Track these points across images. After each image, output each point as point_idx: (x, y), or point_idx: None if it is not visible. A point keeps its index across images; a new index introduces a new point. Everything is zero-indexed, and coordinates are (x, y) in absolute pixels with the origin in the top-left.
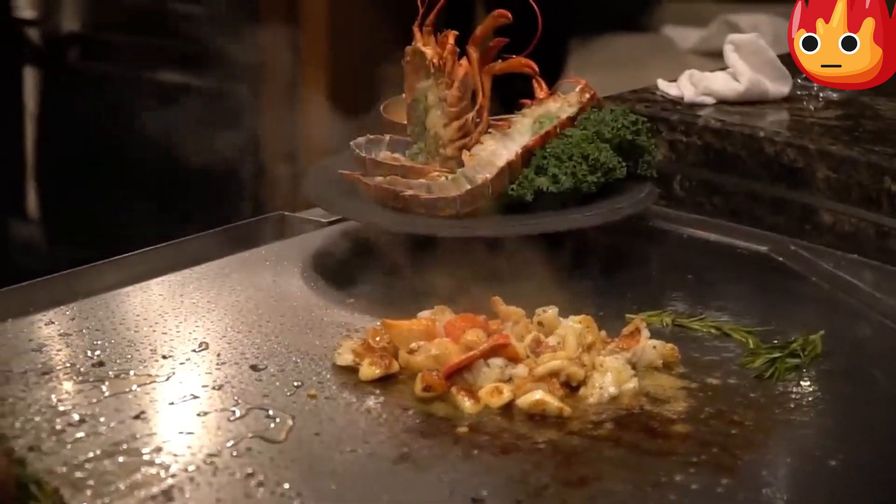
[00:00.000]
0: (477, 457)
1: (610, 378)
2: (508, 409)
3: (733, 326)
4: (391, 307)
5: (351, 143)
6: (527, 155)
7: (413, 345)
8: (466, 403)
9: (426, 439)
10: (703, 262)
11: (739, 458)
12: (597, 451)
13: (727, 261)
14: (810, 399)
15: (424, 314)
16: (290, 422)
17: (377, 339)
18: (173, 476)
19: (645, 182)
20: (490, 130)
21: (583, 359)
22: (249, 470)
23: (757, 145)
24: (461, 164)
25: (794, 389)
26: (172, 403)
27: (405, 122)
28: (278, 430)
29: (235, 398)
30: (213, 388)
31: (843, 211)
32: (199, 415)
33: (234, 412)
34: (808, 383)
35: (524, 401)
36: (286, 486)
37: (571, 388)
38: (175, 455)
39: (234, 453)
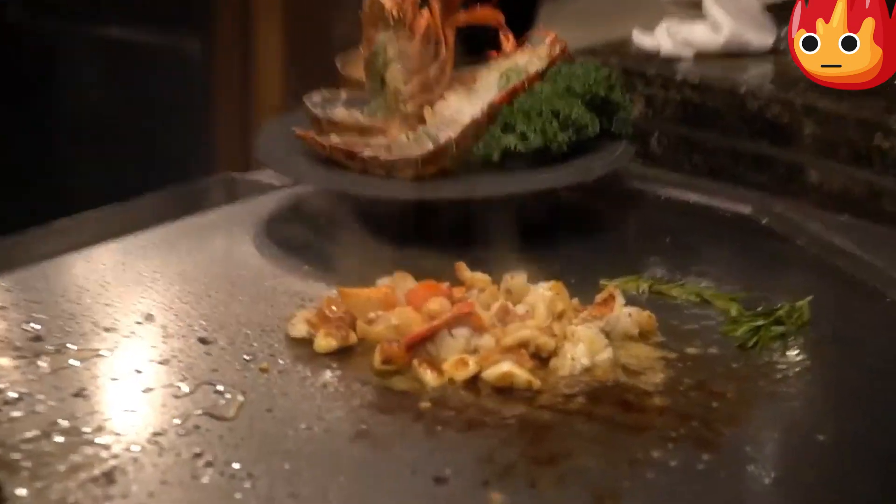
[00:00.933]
0: (440, 433)
1: (582, 349)
2: (474, 382)
3: (714, 293)
4: (348, 275)
5: (305, 99)
6: (493, 112)
7: (371, 314)
8: (429, 376)
9: (386, 415)
10: (683, 224)
11: (721, 432)
12: (568, 427)
13: (708, 223)
14: (797, 369)
15: (384, 282)
16: (240, 398)
17: (333, 308)
18: (115, 457)
19: (619, 140)
20: (454, 86)
21: (553, 328)
22: (197, 449)
23: (739, 100)
24: (423, 122)
25: (780, 359)
26: (115, 379)
27: (363, 77)
28: (228, 407)
29: (182, 373)
30: (159, 362)
31: (831, 169)
32: (143, 391)
33: (180, 388)
34: (794, 353)
35: (491, 373)
36: (236, 465)
37: (541, 359)
38: (117, 434)
39: (181, 432)
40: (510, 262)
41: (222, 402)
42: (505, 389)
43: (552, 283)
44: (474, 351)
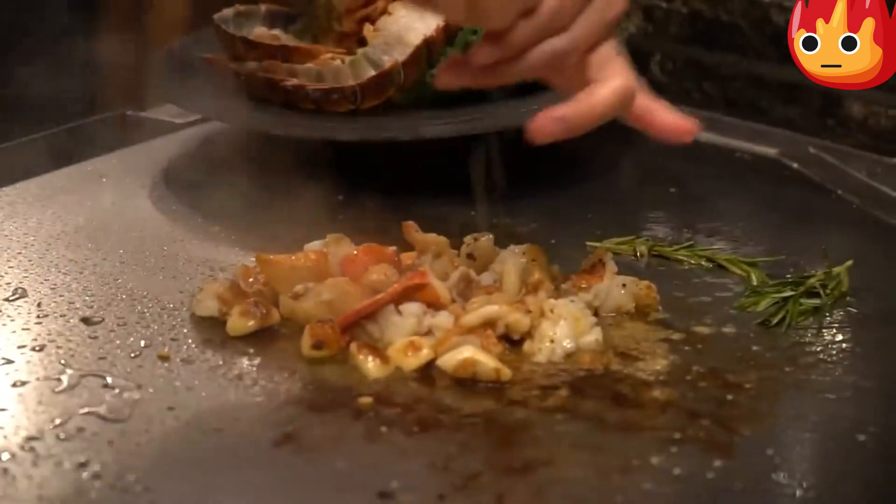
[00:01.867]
0: (385, 436)
1: (564, 328)
2: (427, 371)
3: (730, 257)
4: (269, 238)
5: (214, 16)
6: (450, 29)
7: (298, 287)
8: (371, 365)
9: (317, 414)
10: (691, 170)
11: (737, 432)
12: (546, 427)
13: (723, 169)
14: (833, 353)
15: (313, 246)
16: (135, 394)
17: (250, 280)
18: None
19: None
20: None
21: (527, 303)
22: (82, 458)
23: (761, 12)
24: (363, 43)
25: (812, 340)
26: None
27: None
28: (119, 405)
29: (62, 362)
30: (33, 349)
31: (877, 100)
32: (13, 385)
33: (60, 381)
34: (830, 332)
35: (448, 360)
36: (130, 477)
37: (512, 342)
38: None
39: (62, 435)
40: (472, 219)
41: (112, 398)
42: (466, 381)
43: (526, 245)
44: (427, 332)
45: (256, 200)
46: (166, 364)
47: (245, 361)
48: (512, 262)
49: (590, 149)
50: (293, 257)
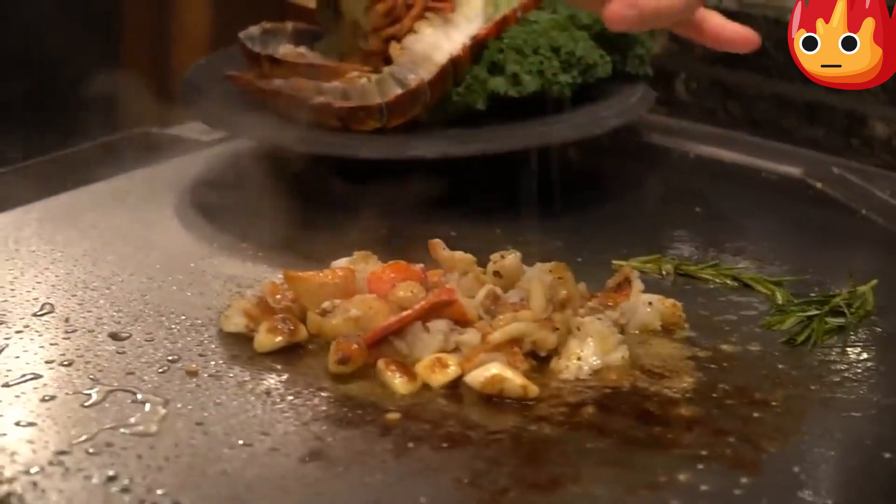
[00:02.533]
0: (412, 452)
1: (591, 346)
2: (455, 388)
3: (755, 275)
4: (296, 254)
5: (240, 34)
6: (477, 47)
7: (326, 304)
8: (398, 381)
9: (344, 430)
10: (716, 189)
11: (764, 450)
12: (574, 444)
13: (748, 188)
14: (858, 371)
15: (341, 263)
16: (162, 409)
17: (278, 297)
18: (10, 480)
19: (636, 82)
20: (427, 15)
21: (554, 320)
22: (111, 472)
23: (785, 33)
24: (389, 62)
25: (837, 358)
26: (7, 385)
27: (313, 5)
28: (148, 419)
29: (91, 377)
30: (61, 364)
31: None
32: (42, 400)
33: (89, 396)
34: (855, 350)
35: (476, 377)
36: (159, 492)
37: (539, 359)
38: (12, 453)
39: (91, 450)
40: (499, 237)
41: (140, 413)
42: (493, 397)
43: (553, 263)
44: (455, 349)
45: (283, 218)
46: (194, 379)
47: (273, 377)
48: (538, 279)
49: (615, 168)
50: (321, 274)
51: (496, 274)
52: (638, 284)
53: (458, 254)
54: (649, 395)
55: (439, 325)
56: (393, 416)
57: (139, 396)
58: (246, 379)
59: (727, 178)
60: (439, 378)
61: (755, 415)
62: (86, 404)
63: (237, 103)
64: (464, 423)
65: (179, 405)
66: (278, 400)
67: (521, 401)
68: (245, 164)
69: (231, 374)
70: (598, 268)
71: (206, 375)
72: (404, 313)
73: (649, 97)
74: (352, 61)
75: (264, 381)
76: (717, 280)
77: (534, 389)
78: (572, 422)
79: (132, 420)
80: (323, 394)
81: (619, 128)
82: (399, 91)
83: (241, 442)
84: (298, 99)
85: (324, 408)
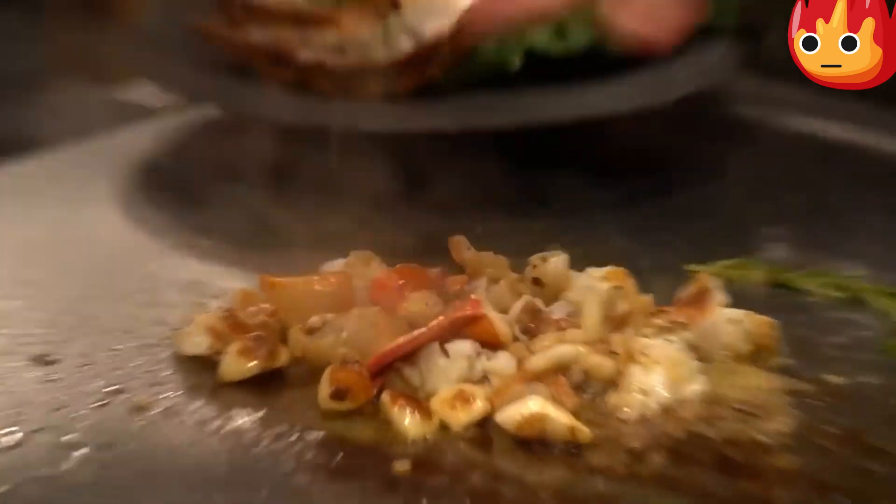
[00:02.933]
0: None
1: (659, 376)
2: (482, 430)
3: (870, 286)
4: (276, 255)
5: None
6: None
7: (314, 319)
8: (409, 421)
9: (338, 484)
10: (821, 174)
11: None
12: (639, 502)
13: (861, 173)
14: None
15: (334, 266)
16: (102, 454)
17: (251, 309)
18: None
19: (717, 38)
20: None
21: (612, 342)
22: None
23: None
24: (397, 7)
25: None
26: None
27: None
28: (81, 469)
29: (9, 414)
30: None
31: None
32: None
33: (8, 437)
34: None
35: (510, 416)
36: None
37: (592, 393)
38: None
39: None
40: (540, 234)
41: (72, 460)
42: (533, 442)
43: (609, 268)
44: (482, 379)
45: (259, 207)
46: (142, 417)
47: (245, 415)
48: (591, 289)
49: (689, 147)
50: (307, 280)
51: (536, 281)
52: (720, 297)
53: (487, 255)
54: (734, 440)
55: (462, 348)
56: (402, 465)
57: (71, 438)
58: (210, 416)
59: (835, 161)
60: (462, 417)
61: (872, 468)
62: (2, 446)
63: (201, 61)
64: (494, 474)
65: (122, 451)
66: (252, 444)
67: (568, 447)
68: (210, 138)
69: (190, 410)
70: (667, 275)
71: (157, 412)
72: (416, 332)
73: (734, 57)
74: (350, 8)
75: (234, 420)
76: (822, 292)
77: (585, 432)
78: (635, 474)
79: (62, 468)
80: (310, 437)
81: (694, 95)
82: (411, 46)
83: (203, 501)
84: (281, 54)
85: (311, 455)
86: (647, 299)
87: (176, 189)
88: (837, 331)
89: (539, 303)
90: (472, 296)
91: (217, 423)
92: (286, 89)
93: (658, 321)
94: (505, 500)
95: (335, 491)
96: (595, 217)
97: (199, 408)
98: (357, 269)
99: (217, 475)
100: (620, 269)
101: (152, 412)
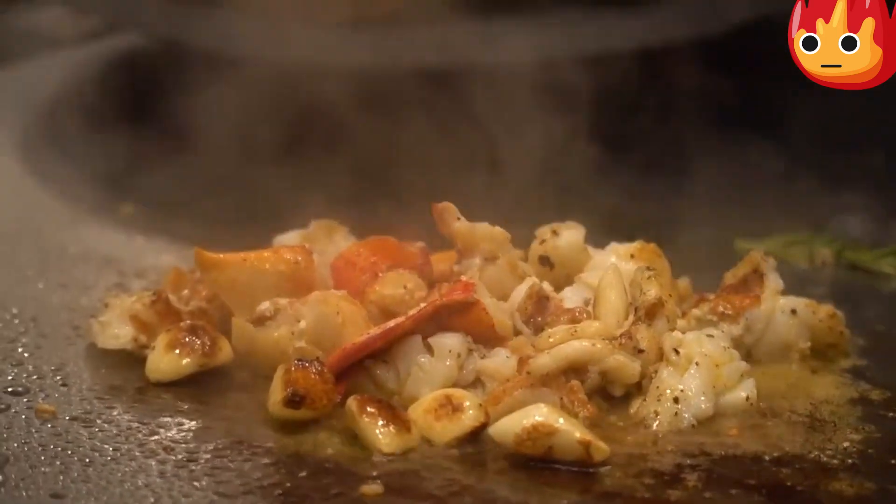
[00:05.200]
0: None
1: (697, 379)
2: (473, 445)
3: None
4: (216, 224)
5: None
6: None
7: (264, 305)
8: (381, 433)
9: None
10: None
11: None
12: None
13: None
14: None
15: (288, 238)
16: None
17: (185, 292)
18: None
19: None
20: None
21: (638, 336)
22: None
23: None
24: None
25: None
26: None
27: None
28: None
29: None
30: None
31: None
32: None
33: None
34: None
35: (508, 428)
36: None
37: (613, 399)
38: None
39: None
40: (549, 201)
41: None
42: (537, 460)
43: (637, 244)
44: (474, 382)
45: (195, 164)
46: (49, 425)
47: (177, 424)
48: (613, 270)
49: (743, 90)
50: (256, 256)
51: (544, 260)
52: (774, 280)
53: (482, 226)
54: (788, 458)
55: (450, 343)
56: (371, 489)
57: None
58: (133, 426)
59: None
60: (448, 429)
61: None
62: None
63: None
64: (485, 499)
65: (26, 466)
66: (185, 460)
67: (580, 466)
68: (135, 74)
69: (109, 418)
70: (710, 252)
71: (66, 419)
72: (392, 322)
73: None
74: None
75: (164, 430)
76: None
77: (602, 449)
78: (662, 498)
79: None
80: (260, 451)
81: (751, 22)
82: None
83: None
84: None
85: (259, 475)
86: (683, 283)
87: (90, 140)
88: None
89: (547, 287)
90: (463, 277)
91: (142, 433)
92: (228, 10)
93: (696, 311)
94: None
95: None
96: (619, 180)
97: (120, 415)
98: (318, 241)
99: (143, 500)
100: (650, 245)
101: (60, 420)
